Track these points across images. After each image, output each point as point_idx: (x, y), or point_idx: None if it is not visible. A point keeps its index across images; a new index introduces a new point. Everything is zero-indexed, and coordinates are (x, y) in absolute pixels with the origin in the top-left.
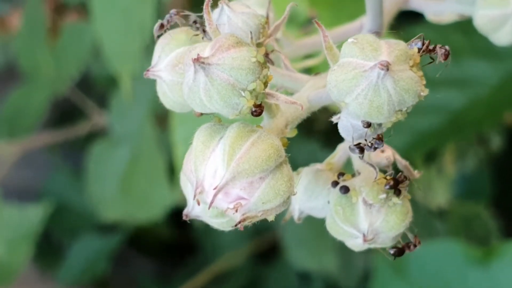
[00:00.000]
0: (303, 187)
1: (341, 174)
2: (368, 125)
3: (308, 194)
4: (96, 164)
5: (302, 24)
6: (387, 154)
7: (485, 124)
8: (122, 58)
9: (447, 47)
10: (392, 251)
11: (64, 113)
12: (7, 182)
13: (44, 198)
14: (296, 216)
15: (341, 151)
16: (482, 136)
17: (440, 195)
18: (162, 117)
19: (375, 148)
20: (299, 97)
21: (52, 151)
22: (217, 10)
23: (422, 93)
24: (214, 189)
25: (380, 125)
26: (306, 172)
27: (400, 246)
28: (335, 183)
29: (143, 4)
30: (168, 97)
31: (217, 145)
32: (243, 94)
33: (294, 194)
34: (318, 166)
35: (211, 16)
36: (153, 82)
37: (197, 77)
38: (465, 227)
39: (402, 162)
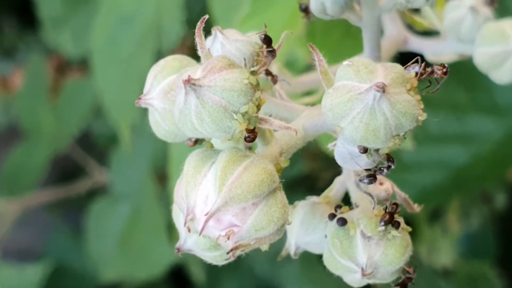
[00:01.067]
0: (299, 220)
1: (338, 206)
2: (365, 150)
3: (305, 228)
4: (96, 222)
5: (302, 70)
6: (385, 187)
7: (489, 180)
8: (121, 109)
9: (445, 64)
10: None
11: (65, 171)
12: (6, 243)
13: (44, 259)
14: (292, 251)
15: (338, 184)
16: (486, 194)
17: (445, 254)
18: (162, 175)
19: (389, 167)
20: (294, 125)
21: (52, 209)
22: (210, 38)
23: (420, 118)
24: (205, 215)
25: (377, 151)
26: (302, 205)
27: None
28: (332, 216)
29: (143, 54)
30: (160, 126)
31: (208, 170)
32: (235, 116)
33: (289, 223)
34: (314, 199)
35: (203, 41)
36: (153, 138)
37: (188, 100)
38: (470, 286)
39: (401, 195)
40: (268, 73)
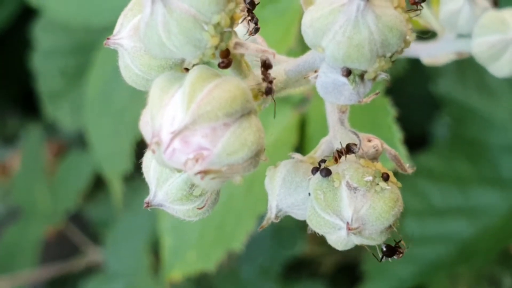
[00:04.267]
0: (280, 179)
1: (323, 161)
2: (348, 73)
3: (287, 186)
4: None
5: (297, 104)
6: (374, 143)
7: (494, 255)
8: (113, 161)
9: None
10: (384, 247)
11: (60, 249)
12: None
13: None
14: (273, 214)
15: (324, 144)
16: (493, 278)
17: None
18: (158, 251)
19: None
20: (275, 69)
21: None
22: None
23: (408, 37)
24: (171, 133)
25: (362, 76)
26: (284, 163)
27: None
28: (316, 169)
29: (136, 106)
30: (130, 69)
31: (177, 90)
32: (206, 28)
33: (265, 160)
34: (298, 156)
35: None
36: (149, 215)
37: (154, 9)
38: None
39: (391, 152)
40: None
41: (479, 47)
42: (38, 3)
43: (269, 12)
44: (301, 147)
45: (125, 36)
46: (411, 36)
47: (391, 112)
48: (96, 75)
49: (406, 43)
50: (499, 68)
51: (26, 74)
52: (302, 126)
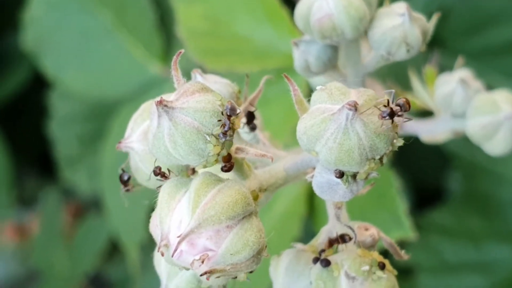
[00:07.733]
0: (283, 268)
1: (322, 250)
2: (341, 174)
3: (289, 275)
4: None
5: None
6: (371, 232)
7: None
8: (129, 230)
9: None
10: None
11: None
12: None
13: None
14: None
15: (324, 234)
16: None
17: None
18: None
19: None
20: (275, 167)
21: None
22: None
23: (395, 141)
24: (178, 237)
25: (354, 177)
26: (287, 253)
27: None
28: (316, 259)
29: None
30: (141, 171)
31: (183, 195)
32: (208, 138)
33: (266, 256)
34: (300, 246)
35: (180, 74)
36: None
37: (161, 122)
38: None
39: (387, 240)
40: (249, 118)
41: (472, 127)
42: (54, 76)
43: (273, 92)
44: (310, 217)
45: (135, 140)
46: (398, 141)
47: (395, 184)
48: (112, 144)
49: (394, 146)
50: (492, 147)
51: (42, 136)
52: (311, 196)
